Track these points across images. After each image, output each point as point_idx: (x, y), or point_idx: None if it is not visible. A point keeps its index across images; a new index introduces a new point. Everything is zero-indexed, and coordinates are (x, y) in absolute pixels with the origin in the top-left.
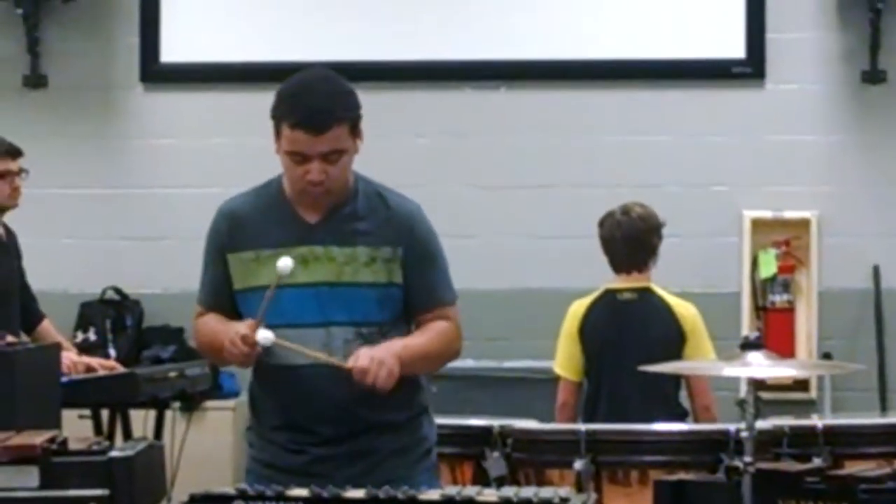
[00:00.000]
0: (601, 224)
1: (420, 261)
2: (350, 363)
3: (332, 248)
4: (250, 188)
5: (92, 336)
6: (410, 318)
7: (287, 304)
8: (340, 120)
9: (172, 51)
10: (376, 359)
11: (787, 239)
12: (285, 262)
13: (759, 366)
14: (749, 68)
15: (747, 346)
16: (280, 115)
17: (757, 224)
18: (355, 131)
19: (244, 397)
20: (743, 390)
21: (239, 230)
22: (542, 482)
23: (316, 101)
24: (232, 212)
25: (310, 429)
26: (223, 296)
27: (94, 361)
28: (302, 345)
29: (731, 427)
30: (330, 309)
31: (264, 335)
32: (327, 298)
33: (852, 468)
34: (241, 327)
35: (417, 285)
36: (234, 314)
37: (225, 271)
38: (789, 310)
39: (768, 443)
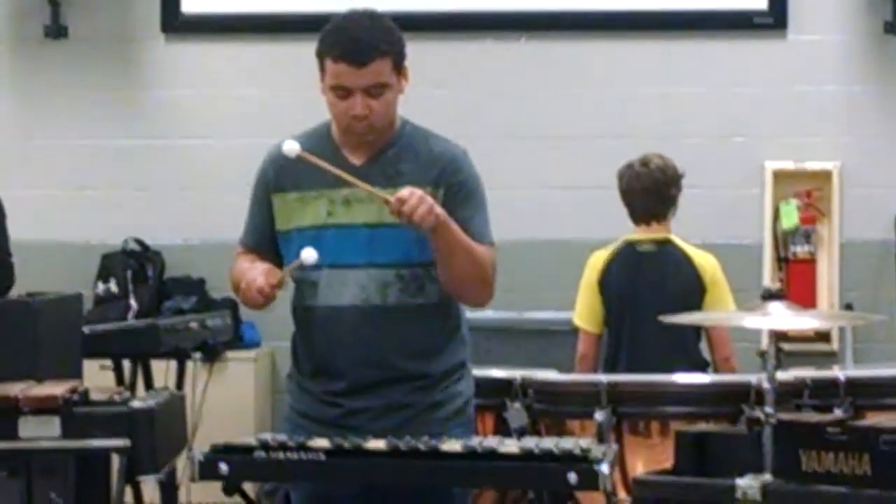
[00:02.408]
0: (620, 176)
1: (460, 200)
2: (391, 198)
3: (375, 190)
4: (303, 130)
5: (113, 287)
6: None
7: (329, 245)
8: (383, 53)
9: (194, 2)
10: (417, 193)
11: (809, 190)
12: (309, 254)
13: (781, 317)
14: (771, 19)
15: (768, 296)
16: (324, 49)
17: (778, 175)
18: (399, 68)
19: (266, 348)
20: (764, 341)
21: (285, 171)
22: (562, 433)
23: (359, 33)
24: (279, 154)
25: (341, 373)
26: (265, 237)
27: None
28: (341, 285)
29: (753, 378)
30: (371, 250)
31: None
32: (369, 239)
33: (874, 419)
34: (260, 277)
35: (456, 223)
36: (275, 256)
37: (269, 211)
38: (811, 261)
39: (789, 394)
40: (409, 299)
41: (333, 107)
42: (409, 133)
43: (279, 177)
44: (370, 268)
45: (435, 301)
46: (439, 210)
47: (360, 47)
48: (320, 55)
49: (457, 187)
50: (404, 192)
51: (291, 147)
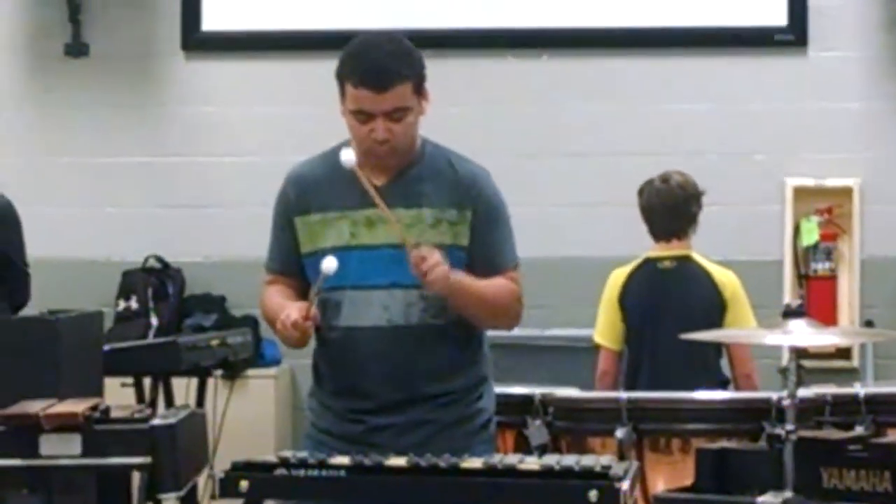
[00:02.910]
0: (640, 192)
1: (486, 224)
2: (417, 251)
3: (398, 210)
4: (320, 153)
5: (134, 304)
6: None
7: (352, 266)
8: (404, 77)
9: (214, 19)
10: (436, 256)
11: (830, 206)
12: (329, 263)
13: (801, 334)
14: (791, 36)
15: (789, 313)
16: (344, 74)
17: (799, 192)
18: (420, 90)
19: (286, 365)
20: (785, 358)
21: (306, 194)
22: (583, 450)
23: (379, 58)
24: (299, 176)
25: (367, 393)
26: (291, 261)
27: None
28: (365, 306)
29: (774, 395)
30: (395, 271)
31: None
32: (392, 260)
33: (895, 436)
34: (294, 311)
35: (482, 248)
36: (303, 279)
37: (293, 235)
38: (831, 277)
39: (810, 411)
40: (431, 319)
41: (354, 130)
42: (431, 153)
43: (300, 199)
44: (394, 288)
45: (456, 319)
46: (453, 279)
47: (380, 72)
48: (340, 79)
49: (483, 211)
50: (426, 250)
51: (349, 157)
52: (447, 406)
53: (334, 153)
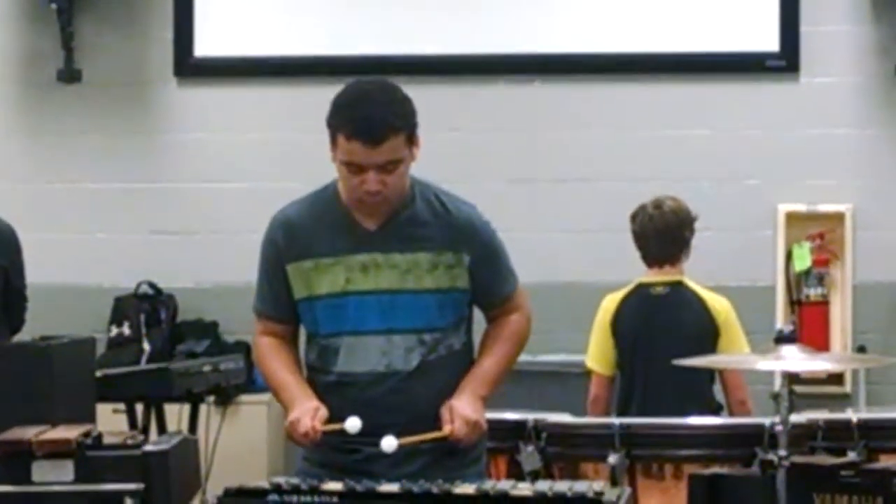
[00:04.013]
0: (633, 218)
1: (485, 263)
2: (447, 429)
3: (393, 256)
4: (305, 195)
5: (126, 330)
6: (483, 311)
7: (349, 312)
8: (397, 130)
9: (206, 45)
10: (471, 422)
11: (822, 232)
12: (353, 424)
13: (794, 359)
14: (783, 62)
15: (782, 339)
16: (336, 124)
17: (791, 217)
18: (412, 139)
19: None
20: (777, 384)
21: (296, 239)
22: (576, 476)
23: (372, 112)
24: (287, 220)
25: (363, 433)
26: (284, 305)
27: None
28: (363, 351)
29: (766, 421)
30: (392, 316)
31: (388, 444)
32: (389, 306)
33: (887, 462)
34: (306, 419)
35: (485, 286)
36: (296, 324)
37: (285, 282)
38: (824, 303)
39: (803, 436)
40: (430, 357)
41: (345, 180)
42: (420, 193)
43: (290, 245)
44: (391, 334)
45: (458, 349)
46: (484, 423)
47: (373, 126)
48: (332, 128)
49: (479, 254)
50: (459, 428)
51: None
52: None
53: (321, 194)
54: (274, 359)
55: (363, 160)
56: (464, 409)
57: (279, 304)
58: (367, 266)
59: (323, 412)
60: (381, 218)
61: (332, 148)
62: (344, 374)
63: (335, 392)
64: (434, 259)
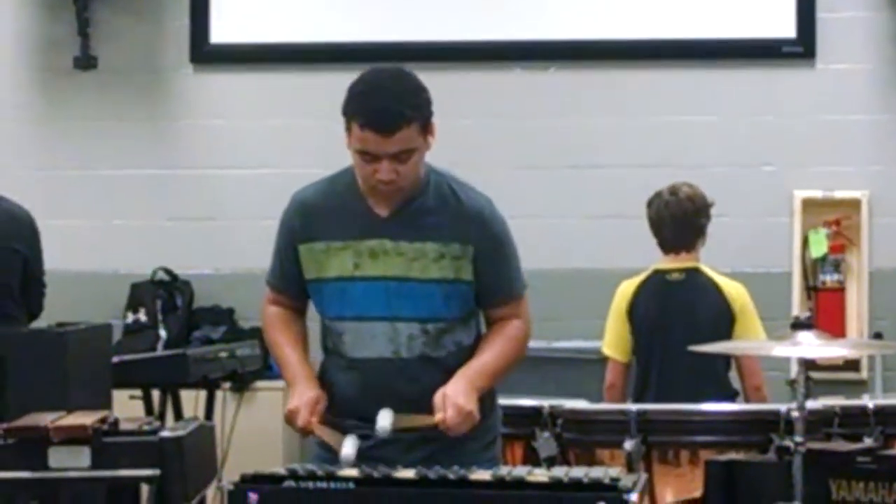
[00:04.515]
0: (649, 204)
1: (491, 258)
2: (438, 416)
3: (401, 243)
4: (325, 177)
5: (142, 317)
6: (482, 310)
7: (354, 297)
8: (410, 120)
9: (222, 32)
10: (463, 412)
11: (838, 218)
12: (347, 454)
13: (810, 346)
14: (799, 48)
15: (798, 325)
16: (350, 113)
17: (807, 204)
18: (427, 129)
19: None
20: (793, 370)
21: (311, 221)
22: (592, 462)
23: (386, 101)
24: (304, 201)
25: (373, 418)
26: (294, 283)
27: None
28: (369, 338)
29: (782, 407)
30: (397, 304)
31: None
32: (395, 293)
33: None
34: (304, 410)
35: (488, 281)
36: (304, 300)
37: (296, 261)
38: (840, 289)
39: (819, 423)
40: (438, 352)
41: (359, 168)
42: (435, 182)
43: (305, 226)
44: (396, 321)
45: (468, 345)
46: (477, 413)
47: (386, 116)
48: (346, 116)
49: (486, 248)
50: (451, 416)
51: (384, 425)
52: None
53: (340, 178)
54: (280, 331)
55: (376, 149)
56: (458, 398)
57: (290, 281)
58: (375, 252)
59: (322, 405)
60: (393, 205)
61: (347, 135)
62: (353, 359)
63: (343, 374)
64: (441, 249)
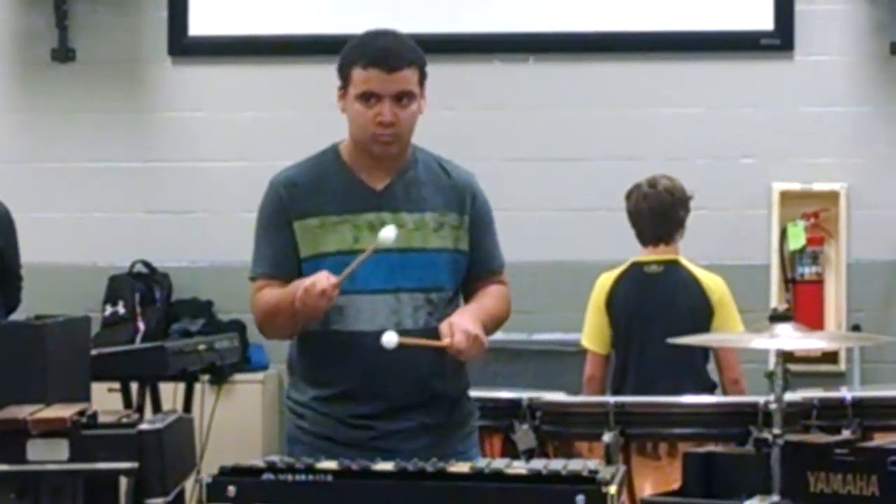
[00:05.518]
0: (628, 197)
1: (481, 229)
2: (446, 341)
3: (401, 215)
4: (303, 159)
5: (121, 309)
6: (466, 284)
7: (357, 270)
8: (411, 62)
9: (201, 24)
10: (471, 335)
11: (816, 211)
12: (388, 233)
13: (788, 338)
14: (778, 40)
15: (776, 318)
16: (351, 59)
17: (786, 196)
18: (422, 82)
19: (273, 370)
20: (772, 362)
21: (299, 197)
22: (570, 455)
23: (388, 43)
24: (289, 179)
25: (375, 395)
26: (288, 264)
27: None
28: (372, 311)
29: (760, 399)
30: (399, 275)
31: (389, 338)
32: (397, 264)
33: (882, 440)
34: (322, 279)
35: (478, 253)
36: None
37: (291, 238)
38: (818, 282)
39: (797, 415)
40: (435, 323)
41: (359, 116)
42: (423, 159)
43: (295, 203)
44: (400, 292)
45: None
46: (484, 339)
47: (390, 55)
48: (346, 66)
49: (480, 217)
50: (459, 338)
51: (391, 339)
52: (446, 409)
53: (322, 156)
54: (272, 290)
55: (379, 88)
56: (465, 324)
57: (284, 260)
58: (374, 225)
59: (333, 277)
60: (386, 177)
61: (343, 93)
62: (353, 333)
63: (342, 350)
64: (440, 219)
